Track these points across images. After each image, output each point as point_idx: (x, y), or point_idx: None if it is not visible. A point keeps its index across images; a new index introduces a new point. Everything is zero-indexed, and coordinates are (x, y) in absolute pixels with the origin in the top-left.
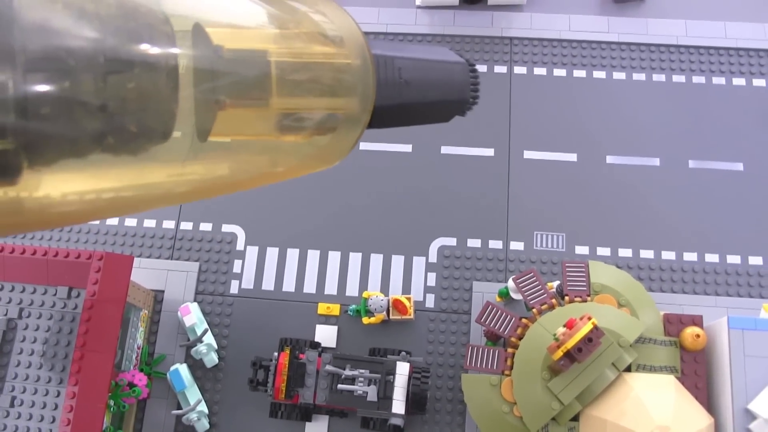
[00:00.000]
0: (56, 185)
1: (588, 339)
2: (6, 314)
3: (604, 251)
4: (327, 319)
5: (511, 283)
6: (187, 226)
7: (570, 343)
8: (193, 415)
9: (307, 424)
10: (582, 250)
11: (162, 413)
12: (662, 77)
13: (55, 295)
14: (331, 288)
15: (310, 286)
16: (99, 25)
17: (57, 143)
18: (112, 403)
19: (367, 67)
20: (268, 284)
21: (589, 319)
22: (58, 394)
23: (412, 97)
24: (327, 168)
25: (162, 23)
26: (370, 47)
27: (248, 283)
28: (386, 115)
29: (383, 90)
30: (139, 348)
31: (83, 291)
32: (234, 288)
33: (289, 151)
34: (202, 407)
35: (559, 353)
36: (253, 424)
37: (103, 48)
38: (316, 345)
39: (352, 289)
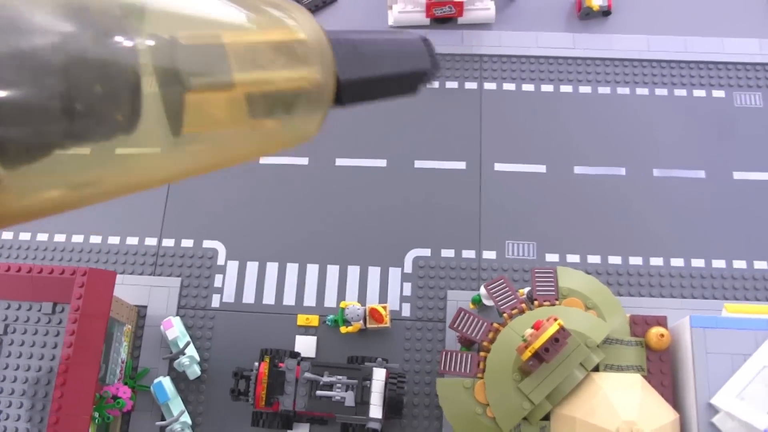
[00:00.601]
0: (28, 183)
1: (554, 339)
2: None
3: (573, 258)
4: (306, 330)
5: (483, 290)
6: (169, 242)
7: (537, 343)
8: (177, 426)
9: None
10: (552, 257)
11: (146, 426)
12: (626, 90)
13: (39, 310)
14: (309, 300)
15: (289, 299)
16: (54, 22)
17: (22, 146)
18: (96, 415)
19: (322, 43)
20: (248, 297)
21: (555, 320)
22: (44, 407)
23: (372, 70)
24: (300, 144)
25: (118, 16)
26: (324, 30)
27: (229, 296)
28: (351, 91)
29: (343, 65)
30: (123, 362)
31: (67, 306)
32: (215, 302)
33: (263, 133)
34: (186, 418)
35: (528, 353)
36: None
37: (61, 46)
38: (295, 355)
39: (330, 301)
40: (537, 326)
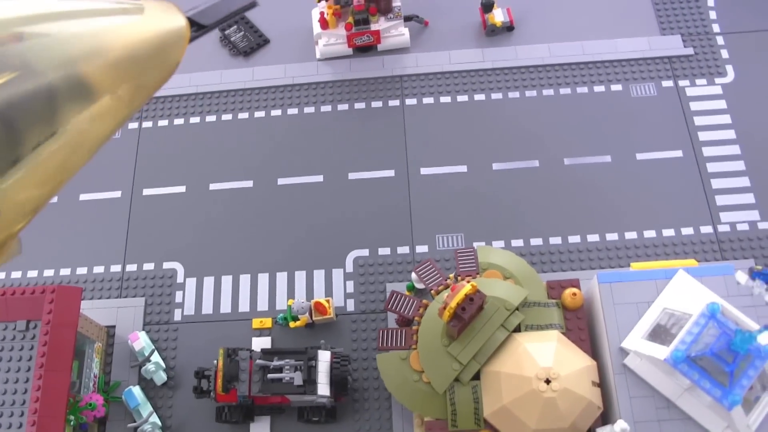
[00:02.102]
0: None
1: (469, 299)
2: None
3: (498, 244)
4: (261, 332)
5: (413, 275)
6: (132, 267)
7: (453, 303)
8: (147, 427)
9: (252, 425)
10: (479, 245)
11: None
12: (534, 93)
13: (14, 329)
14: (262, 305)
15: (244, 306)
16: None
17: None
18: (72, 418)
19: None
20: (207, 309)
21: (468, 281)
22: (22, 414)
23: (224, 10)
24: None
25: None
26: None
27: (189, 309)
28: (209, 20)
29: (199, 16)
30: (95, 377)
31: (39, 323)
32: (177, 315)
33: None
34: (155, 419)
35: (447, 314)
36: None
37: None
38: (248, 349)
39: (281, 304)
40: (453, 289)
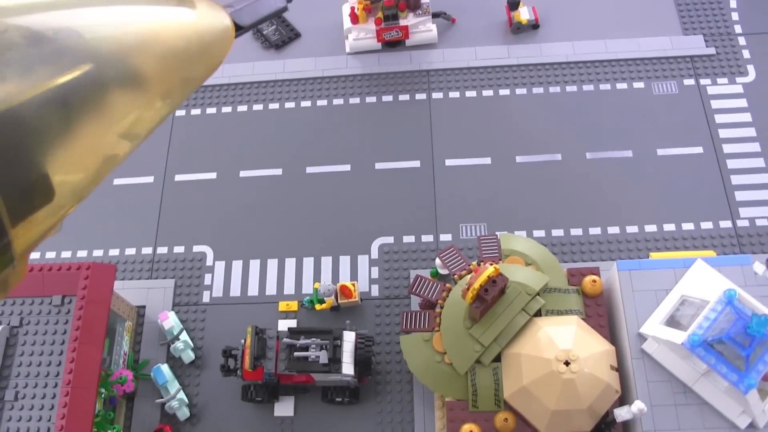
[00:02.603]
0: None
1: (492, 280)
2: (9, 323)
3: (520, 234)
4: (287, 315)
5: (437, 261)
6: (162, 250)
7: (477, 284)
8: (174, 403)
9: (276, 404)
10: (502, 233)
11: (148, 409)
12: (557, 89)
13: (50, 303)
14: (289, 288)
15: (271, 289)
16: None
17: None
18: (102, 390)
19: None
20: (234, 291)
21: (491, 264)
22: (56, 385)
23: (261, 12)
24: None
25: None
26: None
27: (218, 292)
28: (249, 21)
29: (239, 17)
30: (125, 354)
31: (74, 298)
32: (206, 297)
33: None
34: (182, 396)
35: (470, 295)
36: (227, 410)
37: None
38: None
39: (307, 288)
40: (476, 272)
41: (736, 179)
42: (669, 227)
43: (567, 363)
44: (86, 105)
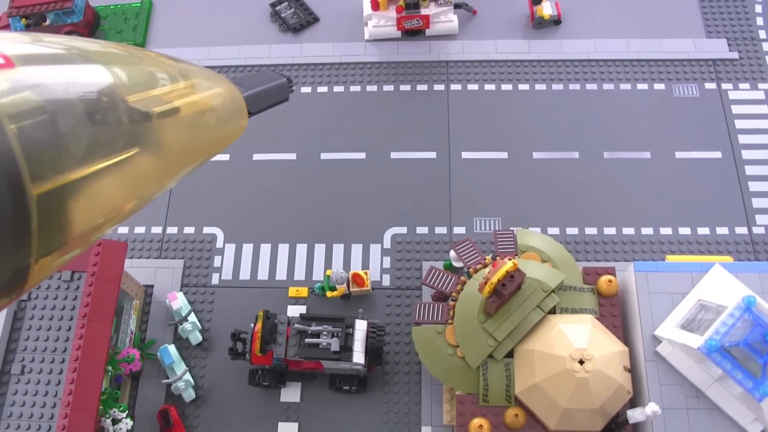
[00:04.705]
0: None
1: (510, 276)
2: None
3: (535, 230)
4: (297, 300)
5: (452, 253)
6: (172, 230)
7: (494, 279)
8: (181, 384)
9: (283, 389)
10: (517, 229)
11: (153, 389)
12: (577, 86)
13: (59, 278)
14: (299, 274)
15: (281, 274)
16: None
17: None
18: (110, 368)
19: (238, 97)
20: (244, 275)
21: (510, 259)
22: (63, 361)
23: (263, 104)
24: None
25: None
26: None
27: (227, 274)
28: (254, 112)
29: (249, 104)
30: (132, 333)
31: (84, 274)
32: (215, 279)
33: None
34: (188, 377)
35: (487, 288)
36: (233, 393)
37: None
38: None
39: (318, 274)
40: (494, 266)
41: (753, 186)
42: (684, 231)
43: (581, 362)
44: (116, 172)
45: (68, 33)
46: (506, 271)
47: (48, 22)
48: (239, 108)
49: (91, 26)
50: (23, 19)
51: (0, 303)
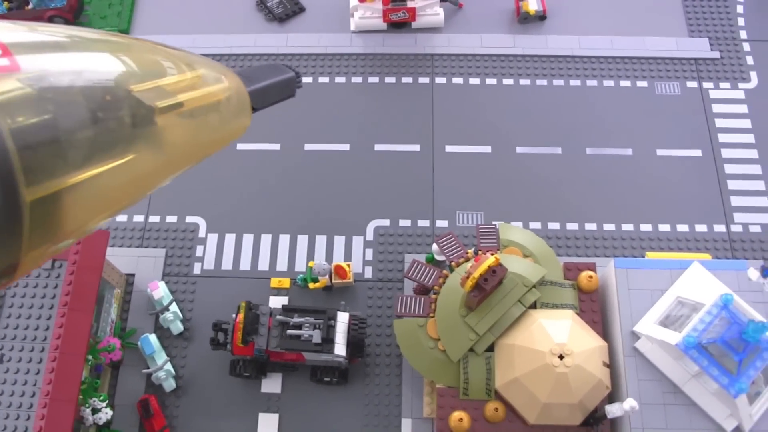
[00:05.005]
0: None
1: (492, 270)
2: None
3: (517, 225)
4: (278, 291)
5: (434, 246)
6: (155, 219)
7: (476, 273)
8: (161, 374)
9: (264, 380)
10: (499, 223)
11: (134, 379)
12: (561, 82)
13: (40, 267)
14: (281, 265)
15: (263, 265)
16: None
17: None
18: (90, 357)
19: (243, 92)
20: (226, 265)
21: (492, 254)
22: (43, 350)
23: (269, 100)
24: (239, 135)
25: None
26: (245, 85)
27: (209, 264)
28: (258, 107)
29: (254, 99)
30: (113, 322)
31: (65, 263)
32: (197, 269)
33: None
34: (169, 367)
35: (469, 283)
36: (214, 384)
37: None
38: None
39: (300, 266)
40: (477, 260)
41: (732, 184)
42: (664, 227)
43: (561, 357)
44: (114, 174)
45: (51, 17)
46: (488, 266)
47: (31, 5)
48: (244, 104)
49: (75, 11)
50: (5, 2)
51: None
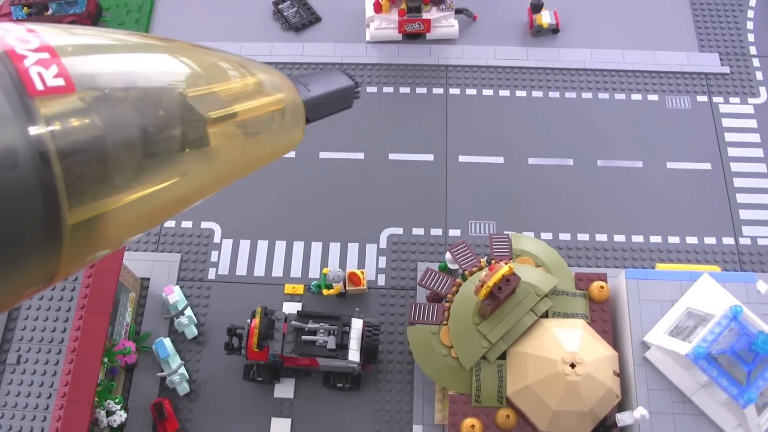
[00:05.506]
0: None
1: (506, 279)
2: None
3: (528, 235)
4: (292, 297)
5: (448, 255)
6: (170, 223)
7: (491, 282)
8: (176, 377)
9: (277, 385)
10: (511, 233)
11: (148, 382)
12: (573, 94)
13: None
14: (295, 272)
15: (277, 271)
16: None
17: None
18: (106, 360)
19: (298, 101)
20: (241, 270)
21: (506, 263)
22: (60, 351)
23: (324, 112)
24: (293, 148)
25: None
26: (300, 94)
27: (224, 269)
28: (312, 119)
29: (309, 111)
30: (127, 325)
31: None
32: (212, 274)
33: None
34: (183, 371)
35: (483, 291)
36: (227, 388)
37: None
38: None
39: (314, 272)
40: (491, 269)
41: (741, 198)
42: (674, 239)
43: (573, 365)
44: (158, 195)
45: (70, 23)
46: (502, 275)
47: (50, 11)
48: (299, 116)
49: (93, 17)
50: (25, 8)
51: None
